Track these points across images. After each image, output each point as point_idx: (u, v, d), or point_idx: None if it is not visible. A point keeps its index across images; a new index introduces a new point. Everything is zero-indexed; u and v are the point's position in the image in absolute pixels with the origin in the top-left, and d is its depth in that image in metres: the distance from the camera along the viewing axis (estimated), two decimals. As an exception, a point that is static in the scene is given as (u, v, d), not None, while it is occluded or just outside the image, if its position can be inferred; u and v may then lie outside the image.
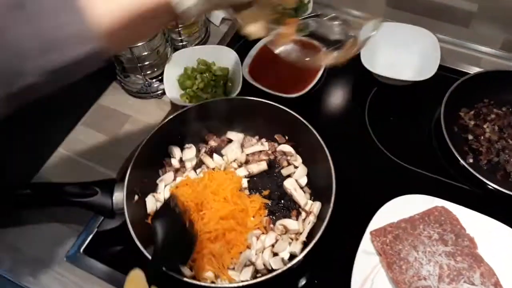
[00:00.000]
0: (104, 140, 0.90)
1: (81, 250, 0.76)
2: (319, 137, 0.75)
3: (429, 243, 0.71)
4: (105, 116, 0.94)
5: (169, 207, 0.62)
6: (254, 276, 0.70)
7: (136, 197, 0.74)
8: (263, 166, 0.81)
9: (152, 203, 0.77)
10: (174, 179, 0.80)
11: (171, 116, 0.79)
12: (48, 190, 0.68)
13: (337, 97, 0.97)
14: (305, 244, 0.72)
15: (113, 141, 0.90)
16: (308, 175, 0.81)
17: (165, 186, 0.80)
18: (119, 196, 0.70)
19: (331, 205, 0.68)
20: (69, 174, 0.84)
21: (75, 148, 0.89)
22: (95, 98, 0.97)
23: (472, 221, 0.73)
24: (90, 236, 0.77)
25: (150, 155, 0.78)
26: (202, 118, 0.83)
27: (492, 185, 0.76)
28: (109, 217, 0.72)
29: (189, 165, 0.82)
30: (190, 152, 0.83)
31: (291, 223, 0.73)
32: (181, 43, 1.01)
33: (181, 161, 0.83)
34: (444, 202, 0.75)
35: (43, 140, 0.87)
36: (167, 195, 0.78)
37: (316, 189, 0.79)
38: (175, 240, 0.60)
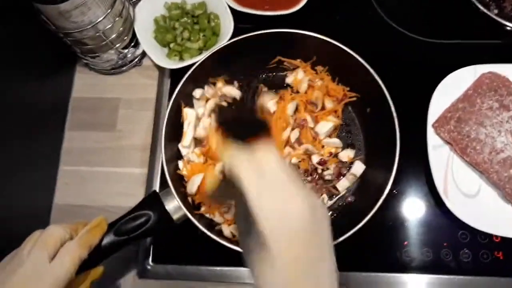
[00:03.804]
0: (105, 138, 0.77)
1: (149, 261, 0.70)
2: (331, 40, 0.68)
3: (492, 114, 0.69)
4: (90, 109, 0.79)
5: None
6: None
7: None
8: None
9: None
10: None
11: (180, 85, 0.67)
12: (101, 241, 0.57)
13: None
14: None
15: (116, 134, 0.77)
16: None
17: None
18: (172, 205, 0.61)
19: (394, 115, 0.64)
20: (90, 190, 0.74)
21: (78, 159, 0.76)
22: (65, 93, 0.80)
23: (521, 74, 0.71)
24: (152, 244, 0.70)
25: (171, 135, 0.67)
26: (213, 69, 0.71)
27: (524, 30, 0.73)
28: (170, 230, 0.64)
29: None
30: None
31: (359, 167, 0.70)
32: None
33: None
34: (487, 66, 0.72)
35: (38, 164, 0.73)
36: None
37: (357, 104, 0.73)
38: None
